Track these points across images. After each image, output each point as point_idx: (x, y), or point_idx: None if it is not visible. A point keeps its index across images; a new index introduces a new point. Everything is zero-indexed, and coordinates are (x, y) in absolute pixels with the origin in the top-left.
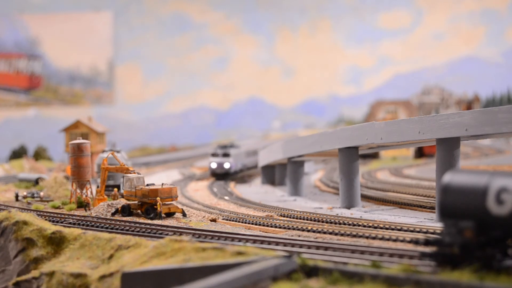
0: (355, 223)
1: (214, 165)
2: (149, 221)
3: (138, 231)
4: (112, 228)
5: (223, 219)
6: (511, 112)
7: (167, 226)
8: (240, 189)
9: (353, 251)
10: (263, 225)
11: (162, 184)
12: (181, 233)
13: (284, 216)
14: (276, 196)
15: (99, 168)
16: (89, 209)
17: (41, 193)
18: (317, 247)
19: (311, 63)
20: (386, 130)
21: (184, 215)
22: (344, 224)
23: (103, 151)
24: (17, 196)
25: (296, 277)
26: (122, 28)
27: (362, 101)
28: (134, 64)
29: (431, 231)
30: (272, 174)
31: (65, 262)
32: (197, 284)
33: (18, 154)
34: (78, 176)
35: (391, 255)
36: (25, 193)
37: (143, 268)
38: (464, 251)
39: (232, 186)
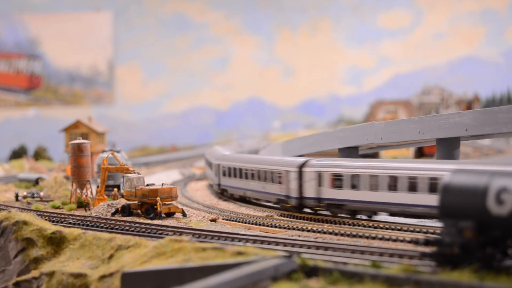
0: (355, 223)
1: None
2: (149, 221)
3: (138, 231)
4: (112, 228)
5: (223, 219)
6: (511, 112)
7: (167, 226)
8: None
9: (353, 251)
10: (263, 225)
11: (162, 184)
12: (181, 233)
13: (284, 216)
14: None
15: (99, 168)
16: (89, 209)
17: (41, 193)
18: (317, 247)
19: (311, 63)
20: (386, 130)
21: (184, 215)
22: (344, 224)
23: (103, 151)
24: (17, 196)
25: (296, 277)
26: (122, 28)
27: (362, 101)
28: (134, 64)
29: (431, 231)
30: None
31: (65, 262)
32: (197, 284)
33: (18, 154)
34: (78, 176)
35: (391, 255)
36: (25, 193)
37: (143, 268)
38: (464, 251)
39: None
